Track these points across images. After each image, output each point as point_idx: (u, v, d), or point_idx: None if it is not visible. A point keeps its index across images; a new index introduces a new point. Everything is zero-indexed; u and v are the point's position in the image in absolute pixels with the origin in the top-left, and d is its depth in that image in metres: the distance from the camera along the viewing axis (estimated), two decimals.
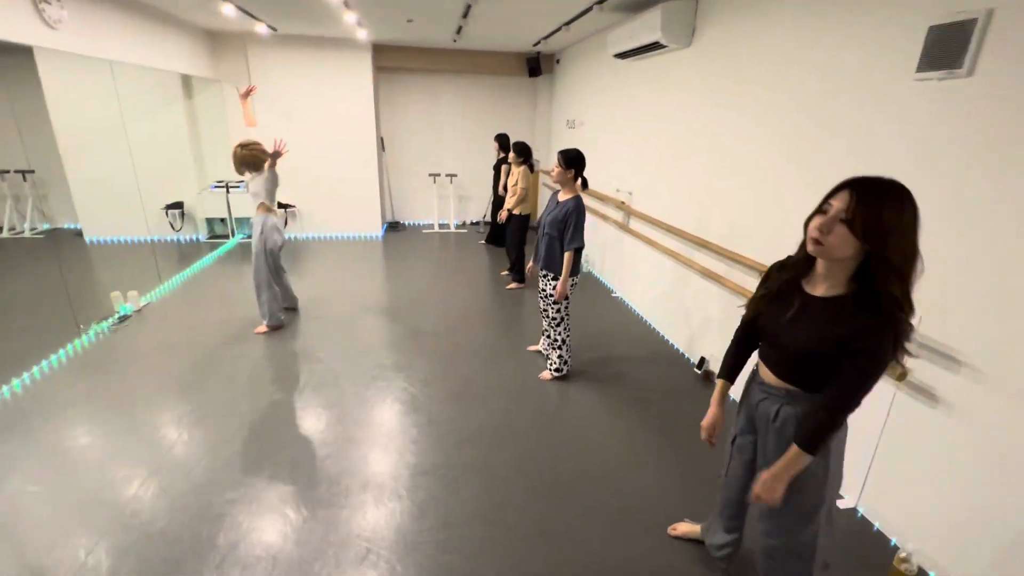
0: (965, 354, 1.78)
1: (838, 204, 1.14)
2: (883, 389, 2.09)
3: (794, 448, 1.29)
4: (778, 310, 1.35)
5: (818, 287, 1.27)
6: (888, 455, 2.11)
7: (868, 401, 2.11)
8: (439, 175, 7.42)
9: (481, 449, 2.55)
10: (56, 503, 2.12)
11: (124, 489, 2.21)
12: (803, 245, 1.27)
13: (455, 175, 7.42)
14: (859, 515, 2.23)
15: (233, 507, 2.13)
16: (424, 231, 7.39)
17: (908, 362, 1.97)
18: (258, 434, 2.62)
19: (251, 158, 3.56)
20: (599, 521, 2.14)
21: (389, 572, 1.86)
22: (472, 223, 7.81)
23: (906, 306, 1.14)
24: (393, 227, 7.51)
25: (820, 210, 1.19)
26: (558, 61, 6.67)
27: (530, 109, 7.50)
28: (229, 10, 4.27)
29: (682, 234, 3.57)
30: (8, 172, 5.73)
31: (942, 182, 1.84)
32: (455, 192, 7.60)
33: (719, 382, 1.63)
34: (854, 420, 2.20)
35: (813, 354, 1.26)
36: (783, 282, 1.36)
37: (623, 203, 4.55)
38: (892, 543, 2.07)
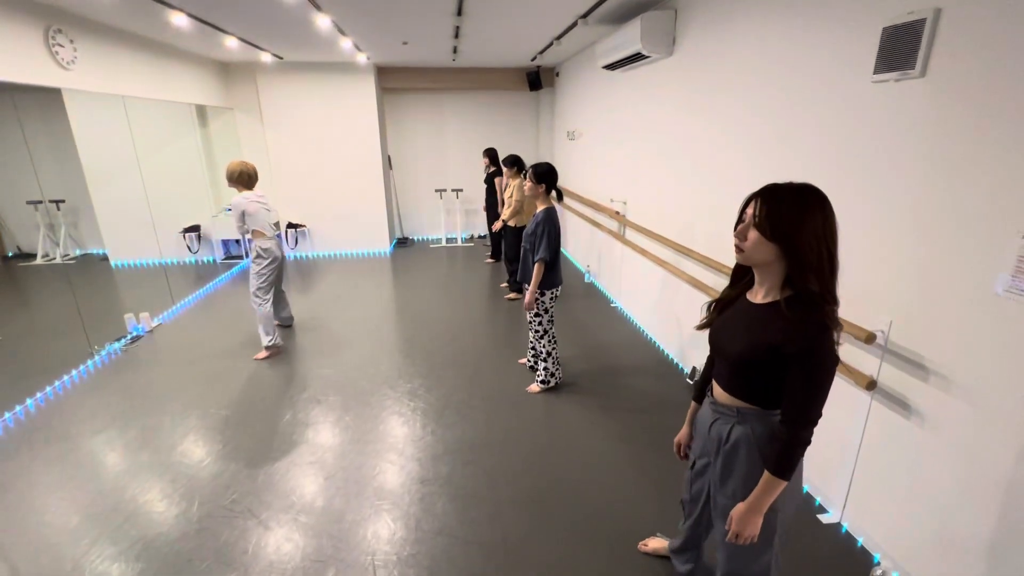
0: (932, 362, 1.71)
1: (750, 211, 1.19)
2: (858, 398, 2.03)
3: (766, 475, 1.24)
4: (723, 322, 1.37)
5: (758, 295, 1.29)
6: (868, 467, 2.03)
7: (845, 411, 2.07)
8: (445, 190, 7.54)
9: (456, 464, 2.57)
10: (57, 512, 2.24)
11: (121, 500, 2.32)
12: None
13: (461, 190, 7.54)
14: (843, 530, 2.15)
15: (212, 521, 2.21)
16: (432, 246, 7.51)
17: (879, 370, 1.91)
18: (248, 448, 2.71)
19: (241, 172, 3.59)
20: (565, 536, 2.12)
21: None
22: (479, 236, 7.89)
23: (828, 301, 1.16)
24: (402, 243, 7.66)
25: (740, 219, 1.23)
26: (557, 74, 6.73)
27: (533, 122, 7.58)
28: (232, 43, 4.50)
29: (670, 243, 3.54)
30: (41, 202, 6.15)
31: (904, 184, 1.79)
32: (461, 206, 7.72)
33: (692, 404, 1.63)
34: (834, 430, 2.15)
35: (750, 362, 1.25)
36: (731, 296, 1.39)
37: (617, 213, 4.54)
38: (875, 559, 1.99)
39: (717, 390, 1.41)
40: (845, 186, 2.03)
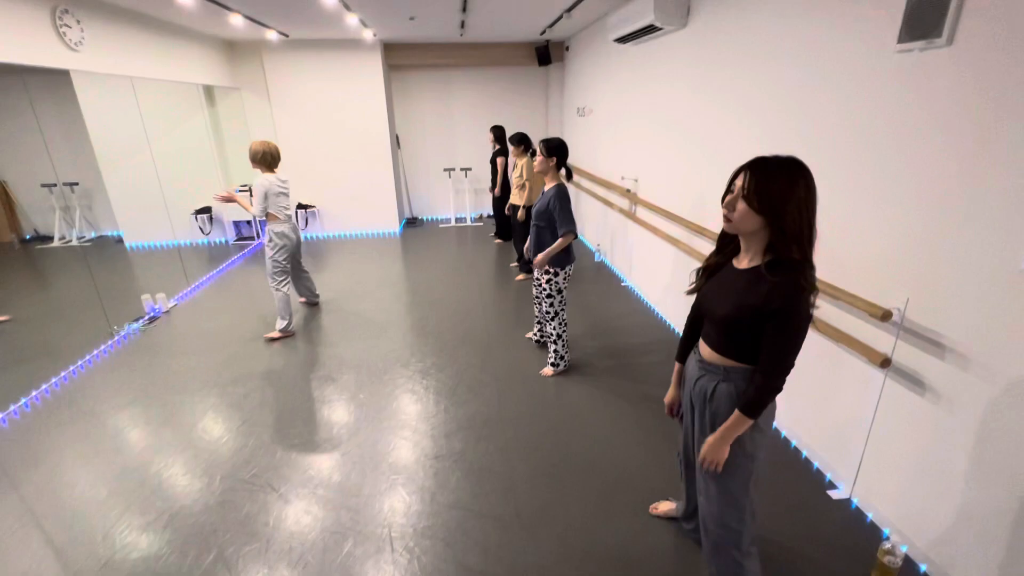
0: (950, 339, 1.69)
1: (739, 183, 1.27)
2: (871, 376, 2.02)
3: (736, 413, 1.37)
4: (711, 286, 1.47)
5: (743, 262, 1.38)
6: (880, 444, 2.04)
7: (858, 388, 2.07)
8: (454, 169, 7.49)
9: (469, 440, 2.62)
10: (86, 485, 2.34)
11: (147, 474, 2.40)
12: None
13: (470, 168, 7.48)
14: (853, 506, 2.17)
15: (233, 494, 2.28)
16: (441, 226, 7.50)
17: (894, 348, 1.90)
18: (266, 425, 2.78)
19: (264, 152, 3.59)
20: (578, 508, 2.17)
21: (367, 558, 1.95)
22: (488, 216, 7.86)
23: (806, 268, 1.24)
24: (411, 223, 7.65)
25: (728, 190, 1.31)
26: (567, 48, 6.58)
27: (542, 98, 7.45)
28: (238, 20, 4.45)
29: (681, 220, 3.50)
30: (55, 185, 6.21)
31: (925, 158, 1.74)
32: (470, 186, 7.67)
33: (676, 365, 1.71)
34: (846, 407, 2.15)
35: (736, 321, 1.35)
36: (717, 262, 1.48)
37: (628, 191, 4.49)
38: (885, 535, 2.00)
39: (705, 349, 1.50)
40: (863, 160, 1.99)
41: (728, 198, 1.30)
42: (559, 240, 2.87)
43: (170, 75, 4.84)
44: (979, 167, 1.56)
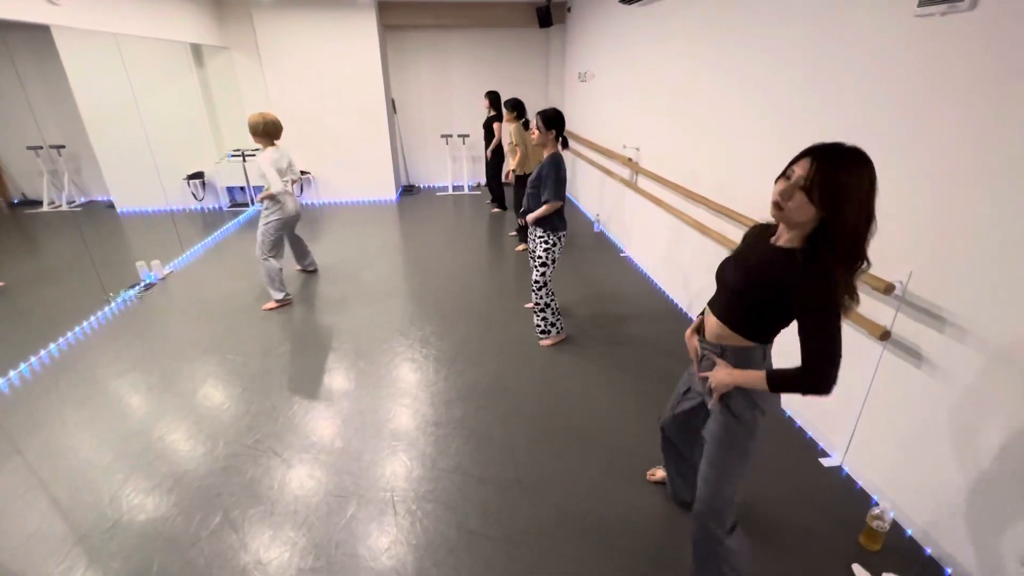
0: (951, 312, 1.70)
1: (799, 171, 1.14)
2: (869, 348, 2.04)
3: (762, 373, 1.30)
4: (738, 254, 1.42)
5: (780, 238, 1.29)
6: (874, 414, 2.07)
7: (855, 360, 2.09)
8: (451, 136, 7.33)
9: (469, 408, 2.65)
10: (90, 450, 2.36)
11: (150, 439, 2.43)
12: None
13: (467, 135, 7.32)
14: (844, 473, 2.22)
15: (237, 459, 2.32)
16: (438, 193, 7.39)
17: (894, 321, 1.91)
18: (266, 392, 2.80)
19: (265, 124, 3.51)
20: (578, 475, 2.22)
21: (371, 520, 2.00)
22: (485, 184, 7.73)
23: (857, 260, 1.15)
24: (408, 190, 7.54)
25: (784, 175, 1.19)
26: (569, 9, 6.34)
27: (542, 62, 7.23)
28: None
29: (684, 191, 3.45)
30: (41, 148, 6.03)
31: (937, 130, 1.70)
32: (468, 153, 7.52)
33: (697, 318, 1.65)
34: (842, 378, 2.17)
35: (745, 288, 1.30)
36: (755, 237, 1.39)
37: (630, 160, 4.41)
38: (874, 501, 2.07)
39: (709, 321, 1.45)
40: (873, 130, 1.95)
41: (783, 185, 1.17)
42: (543, 207, 2.88)
43: (155, 32, 4.65)
44: (994, 139, 1.53)
